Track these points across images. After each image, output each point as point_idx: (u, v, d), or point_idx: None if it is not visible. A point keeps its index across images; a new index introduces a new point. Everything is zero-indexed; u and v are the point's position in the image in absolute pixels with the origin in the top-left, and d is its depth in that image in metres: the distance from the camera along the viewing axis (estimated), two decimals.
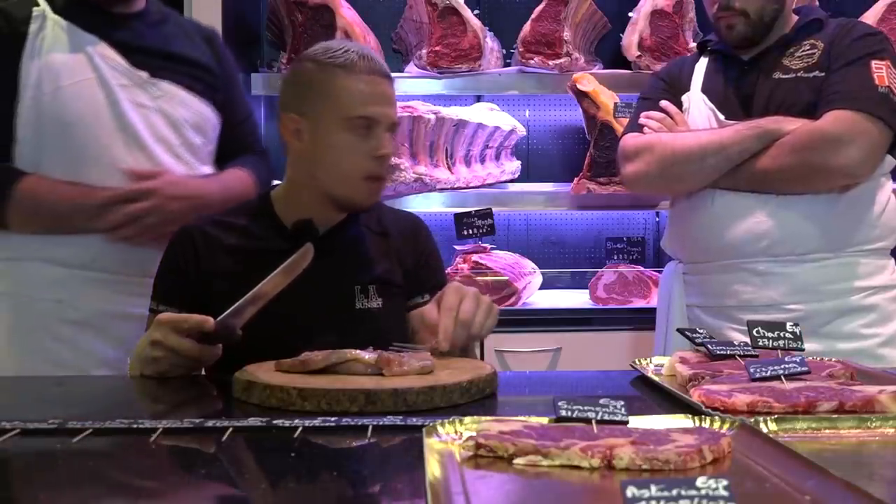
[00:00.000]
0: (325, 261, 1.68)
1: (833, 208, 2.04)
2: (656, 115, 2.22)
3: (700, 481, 0.75)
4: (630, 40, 3.16)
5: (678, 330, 1.71)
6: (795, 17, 2.19)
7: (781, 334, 1.48)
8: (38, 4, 1.92)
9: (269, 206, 1.77)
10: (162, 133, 1.95)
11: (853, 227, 2.06)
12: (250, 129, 2.24)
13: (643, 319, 2.86)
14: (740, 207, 2.08)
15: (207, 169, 2.05)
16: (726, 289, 2.12)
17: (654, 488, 0.75)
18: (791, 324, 1.51)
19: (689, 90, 2.24)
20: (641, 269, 3.12)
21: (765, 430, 1.10)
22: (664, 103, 2.23)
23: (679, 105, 2.23)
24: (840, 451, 1.08)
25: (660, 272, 3.08)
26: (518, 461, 0.99)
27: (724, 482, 0.75)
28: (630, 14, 3.25)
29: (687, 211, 2.19)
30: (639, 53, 3.13)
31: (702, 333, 1.60)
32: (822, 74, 2.06)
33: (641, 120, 2.23)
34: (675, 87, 2.27)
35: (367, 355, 1.40)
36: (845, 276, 2.06)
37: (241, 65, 2.69)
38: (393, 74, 3.39)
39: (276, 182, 1.92)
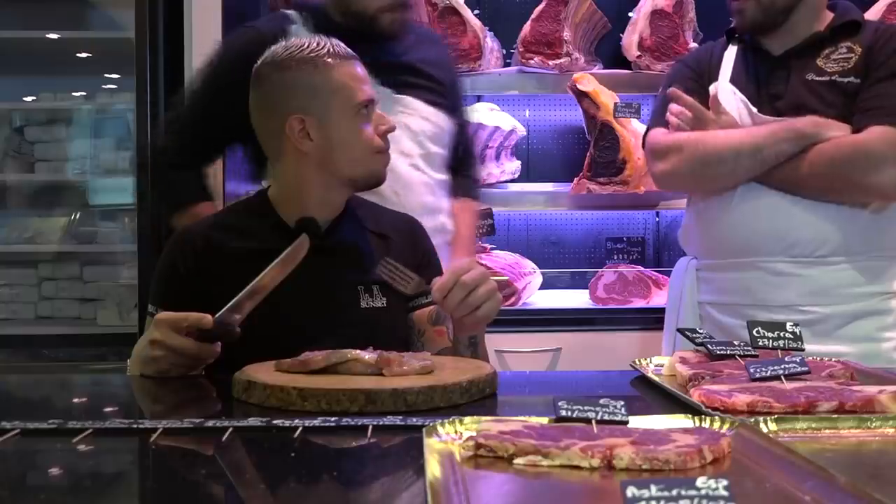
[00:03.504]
0: (328, 261, 1.68)
1: (860, 213, 2.01)
2: (685, 112, 2.11)
3: (700, 481, 0.75)
4: (630, 40, 3.16)
5: (678, 330, 1.70)
6: (830, 15, 2.12)
7: (781, 334, 1.48)
8: (293, 22, 2.02)
9: (268, 206, 1.76)
10: (404, 146, 2.04)
11: (879, 233, 2.02)
12: (468, 131, 2.37)
13: (643, 319, 2.87)
14: (764, 205, 2.04)
15: (442, 176, 2.13)
16: (742, 287, 2.08)
17: (654, 488, 0.75)
18: (791, 324, 1.51)
19: (716, 80, 2.15)
20: (641, 269, 3.12)
21: (765, 430, 1.10)
22: (691, 103, 2.11)
23: (706, 94, 2.14)
24: (840, 451, 1.08)
25: (660, 272, 3.09)
26: (518, 461, 0.99)
27: (724, 482, 0.75)
28: (630, 14, 3.26)
29: (708, 206, 2.14)
30: (639, 53, 3.13)
31: (702, 333, 1.59)
32: (858, 81, 2.01)
33: (669, 117, 2.14)
34: (702, 76, 2.20)
35: (367, 355, 1.39)
36: (866, 279, 2.02)
37: None
38: None
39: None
